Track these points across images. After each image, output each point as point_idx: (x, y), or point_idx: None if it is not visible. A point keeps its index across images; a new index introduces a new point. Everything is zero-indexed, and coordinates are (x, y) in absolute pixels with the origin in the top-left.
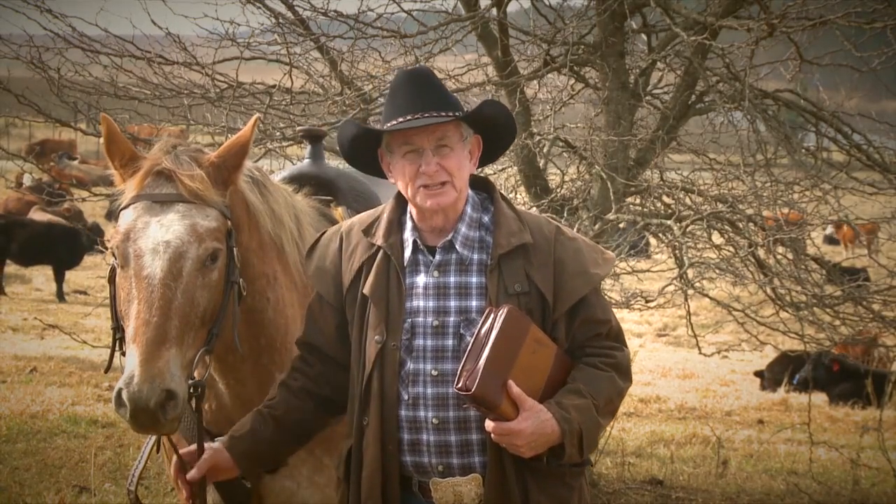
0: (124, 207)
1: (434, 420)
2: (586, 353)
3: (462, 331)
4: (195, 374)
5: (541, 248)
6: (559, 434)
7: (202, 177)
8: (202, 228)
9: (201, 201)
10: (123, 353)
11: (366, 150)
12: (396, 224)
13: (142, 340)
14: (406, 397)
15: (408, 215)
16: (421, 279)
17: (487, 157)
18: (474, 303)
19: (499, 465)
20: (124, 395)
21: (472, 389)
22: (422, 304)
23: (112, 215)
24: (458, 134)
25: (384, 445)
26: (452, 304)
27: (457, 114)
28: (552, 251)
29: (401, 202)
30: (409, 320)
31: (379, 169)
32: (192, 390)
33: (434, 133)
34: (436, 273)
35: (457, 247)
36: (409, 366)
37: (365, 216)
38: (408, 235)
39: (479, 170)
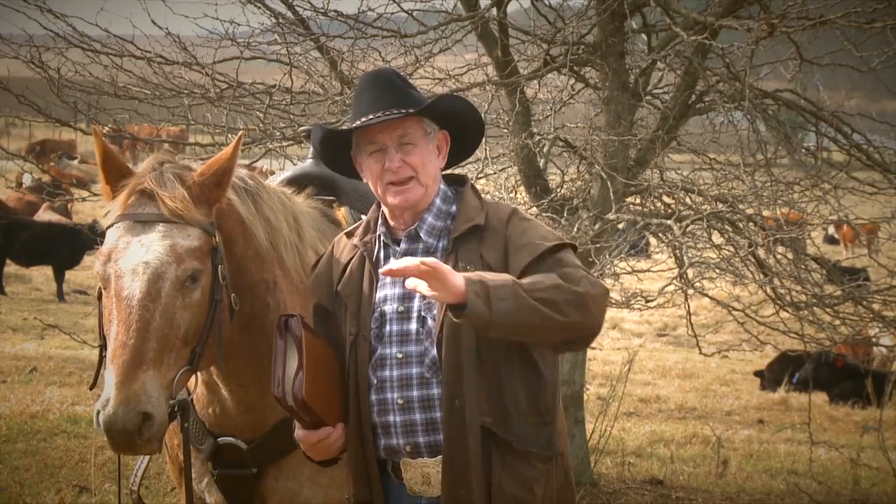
0: (109, 226)
1: (399, 400)
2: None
3: (423, 314)
4: (183, 390)
5: (494, 229)
6: (463, 284)
7: (183, 196)
8: (182, 248)
9: (183, 221)
10: None
11: (342, 153)
12: (374, 223)
13: (118, 363)
14: (375, 381)
15: (380, 216)
16: None
17: (461, 153)
18: None
19: (461, 442)
20: (100, 418)
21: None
22: (389, 292)
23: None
24: (421, 130)
25: (362, 433)
26: None
27: (410, 110)
28: (504, 231)
29: (380, 203)
30: (379, 309)
31: (355, 172)
32: (175, 409)
33: (396, 130)
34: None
35: (422, 235)
36: (378, 352)
37: (355, 225)
38: (379, 232)
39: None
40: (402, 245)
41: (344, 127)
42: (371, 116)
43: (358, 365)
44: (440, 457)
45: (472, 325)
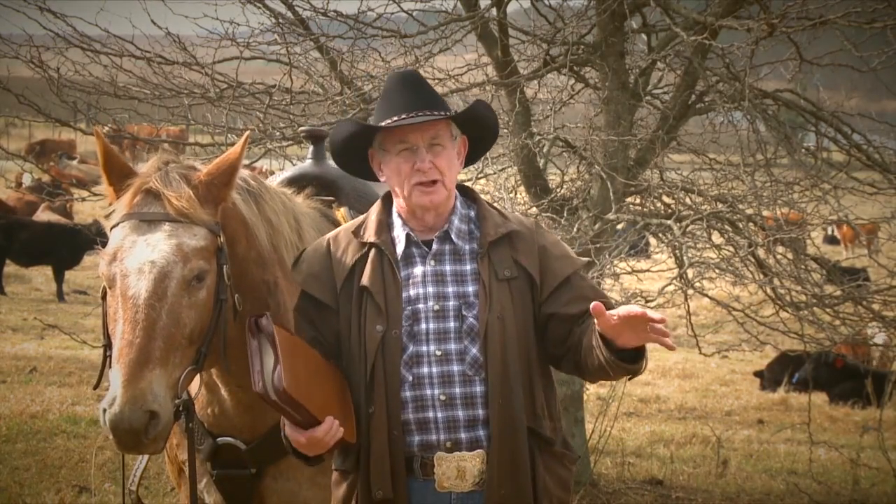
0: (114, 226)
1: (441, 397)
2: None
3: (464, 312)
4: (188, 388)
5: (524, 237)
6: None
7: (189, 195)
8: (188, 248)
9: (189, 220)
10: None
11: (355, 150)
12: (385, 224)
13: (125, 361)
14: (410, 378)
15: (394, 216)
16: (418, 269)
17: (469, 159)
18: (471, 288)
19: (510, 441)
20: (106, 416)
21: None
22: (421, 291)
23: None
24: (449, 133)
25: (390, 430)
26: (450, 289)
27: (454, 111)
28: (535, 239)
29: (387, 204)
30: (410, 308)
31: (364, 170)
32: (180, 409)
33: (428, 131)
34: (432, 262)
35: (452, 237)
36: (412, 349)
37: (350, 223)
38: (398, 232)
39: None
40: (435, 246)
41: (381, 124)
42: (405, 116)
43: (386, 362)
44: (478, 451)
45: (626, 371)
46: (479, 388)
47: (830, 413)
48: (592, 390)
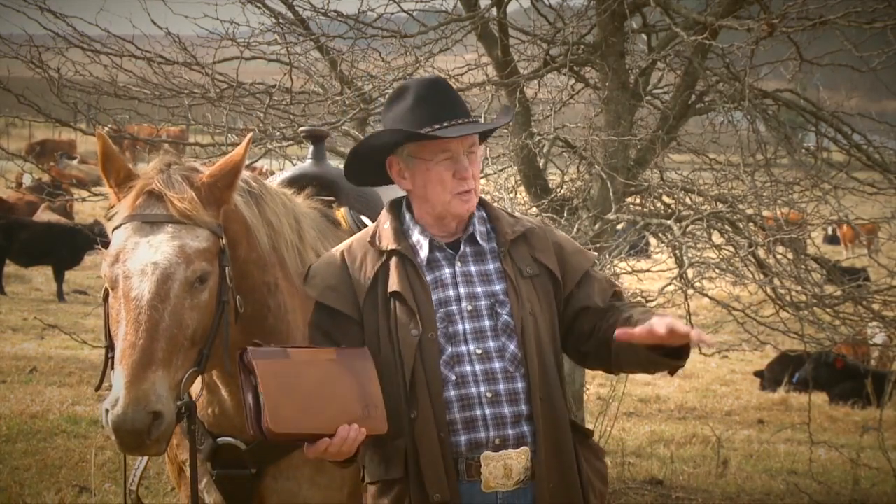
0: (116, 227)
1: (488, 394)
2: (617, 304)
3: (497, 310)
4: (189, 390)
5: (539, 235)
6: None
7: (192, 197)
8: (191, 249)
9: (191, 222)
10: None
11: (368, 157)
12: (400, 231)
13: (128, 363)
14: (453, 378)
15: (408, 222)
16: (446, 272)
17: None
18: (498, 286)
19: (554, 437)
20: (109, 417)
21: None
22: (452, 293)
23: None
24: (478, 140)
25: (437, 433)
26: (479, 289)
27: (506, 120)
28: (548, 237)
29: (396, 212)
30: (442, 310)
31: (367, 177)
32: (182, 410)
33: (468, 139)
34: (458, 264)
35: (477, 238)
36: (450, 350)
37: (361, 234)
38: (418, 238)
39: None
40: (462, 248)
41: (430, 132)
42: (446, 124)
43: (426, 365)
44: (524, 448)
45: (672, 368)
46: (520, 384)
47: (830, 413)
48: (592, 390)
